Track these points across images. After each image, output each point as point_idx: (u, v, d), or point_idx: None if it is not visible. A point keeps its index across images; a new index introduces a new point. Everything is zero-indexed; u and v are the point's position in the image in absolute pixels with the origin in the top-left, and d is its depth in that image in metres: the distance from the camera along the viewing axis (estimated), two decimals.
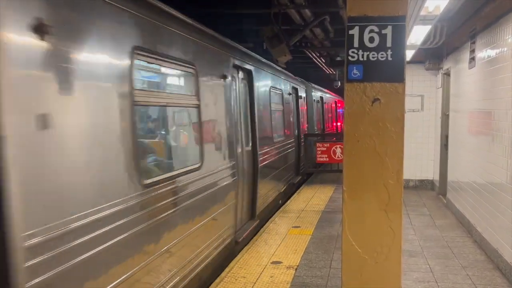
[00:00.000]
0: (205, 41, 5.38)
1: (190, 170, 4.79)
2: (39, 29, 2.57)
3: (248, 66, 7.23)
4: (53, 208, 2.71)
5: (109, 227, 3.20)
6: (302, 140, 12.04)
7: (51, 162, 2.72)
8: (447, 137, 9.65)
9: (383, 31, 3.49)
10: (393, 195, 3.59)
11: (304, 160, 11.99)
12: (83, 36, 3.06)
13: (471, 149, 7.33)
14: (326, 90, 19.45)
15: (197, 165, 4.99)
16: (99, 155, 3.18)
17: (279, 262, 5.94)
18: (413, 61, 10.26)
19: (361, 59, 3.52)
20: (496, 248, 5.89)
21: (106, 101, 3.33)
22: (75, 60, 2.95)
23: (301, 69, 15.98)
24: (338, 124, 22.71)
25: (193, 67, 4.95)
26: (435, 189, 10.86)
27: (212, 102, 5.55)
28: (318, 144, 10.92)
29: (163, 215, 4.05)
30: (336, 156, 10.58)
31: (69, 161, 2.87)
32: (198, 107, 5.08)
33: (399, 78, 3.52)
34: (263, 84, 8.31)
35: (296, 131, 11.76)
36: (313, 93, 14.92)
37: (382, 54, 3.50)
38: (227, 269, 5.68)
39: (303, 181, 12.19)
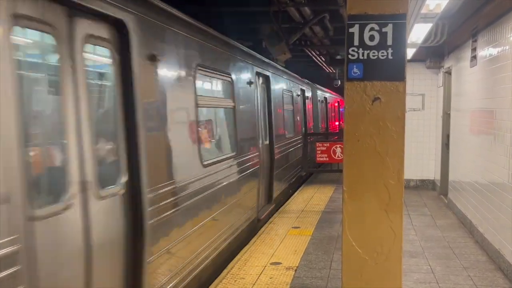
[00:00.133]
0: (237, 55, 6.75)
1: (229, 157, 6.21)
2: (153, 58, 4.03)
3: (266, 73, 8.49)
4: (162, 176, 4.21)
5: (188, 191, 4.71)
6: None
7: (165, 147, 4.33)
8: (448, 136, 9.66)
9: (384, 29, 3.49)
10: (394, 195, 3.59)
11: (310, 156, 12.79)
12: (173, 59, 4.57)
13: (473, 149, 7.33)
14: (329, 91, 20.36)
15: (233, 154, 6.38)
16: (184, 142, 4.79)
17: (279, 263, 5.94)
18: (414, 59, 10.26)
19: (361, 57, 3.52)
20: (498, 248, 5.89)
21: (184, 103, 4.83)
22: (170, 74, 4.51)
23: (301, 68, 15.98)
24: (342, 123, 22.90)
25: (230, 76, 6.35)
26: (436, 189, 10.87)
27: (242, 104, 6.89)
28: (318, 144, 10.90)
29: (213, 188, 5.46)
30: (336, 156, 10.57)
31: (170, 146, 4.43)
32: (233, 108, 6.49)
33: (399, 76, 3.52)
34: (278, 87, 9.59)
35: (304, 129, 13.02)
36: (318, 94, 16.19)
37: (382, 53, 3.50)
38: (226, 270, 5.68)
39: (310, 175, 12.74)
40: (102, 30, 3.40)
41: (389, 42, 3.49)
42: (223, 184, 5.80)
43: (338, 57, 13.18)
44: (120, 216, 3.55)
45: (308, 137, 12.29)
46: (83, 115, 3.12)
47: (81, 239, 3.04)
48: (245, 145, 6.91)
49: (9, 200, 2.39)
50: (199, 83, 5.21)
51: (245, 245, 6.64)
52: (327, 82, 20.55)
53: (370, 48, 3.51)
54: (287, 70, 10.97)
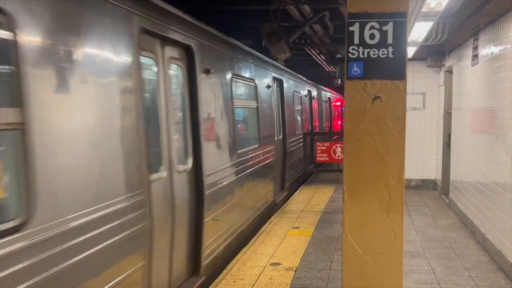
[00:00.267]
0: (258, 63, 8.24)
1: (254, 148, 7.58)
2: (208, 71, 5.36)
3: (280, 77, 10.01)
4: (214, 160, 5.56)
5: (228, 173, 6.09)
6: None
7: (215, 139, 5.72)
8: (449, 135, 9.66)
9: (384, 28, 3.48)
10: (394, 195, 3.58)
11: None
12: (219, 71, 5.99)
13: (474, 148, 7.33)
14: (332, 91, 21.62)
15: (257, 146, 7.77)
16: (226, 135, 6.17)
17: (278, 264, 5.94)
18: (415, 58, 10.26)
19: (361, 56, 3.51)
20: (499, 249, 5.89)
21: (226, 104, 6.26)
22: (218, 82, 5.92)
23: (301, 67, 15.98)
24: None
25: (254, 81, 7.83)
26: (437, 189, 10.87)
27: (263, 104, 8.34)
28: (318, 143, 10.90)
29: (243, 173, 6.85)
30: (336, 156, 10.57)
31: (218, 138, 5.87)
32: (257, 108, 7.99)
33: (400, 75, 3.51)
34: (289, 89, 10.97)
35: (310, 127, 14.56)
36: (322, 94, 17.67)
37: (383, 51, 3.49)
38: (225, 271, 5.68)
39: (310, 175, 13.21)
40: (177, 53, 4.85)
41: (390, 40, 3.48)
42: (250, 170, 7.21)
43: (339, 55, 13.16)
44: (188, 186, 4.98)
45: (309, 137, 12.31)
46: (169, 114, 4.56)
47: (169, 196, 4.50)
48: (265, 139, 8.40)
49: (154, 168, 4.16)
50: (234, 88, 6.67)
51: (264, 223, 7.92)
52: (327, 81, 20.53)
53: (371, 46, 3.50)
54: (296, 74, 12.47)
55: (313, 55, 13.46)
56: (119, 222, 3.47)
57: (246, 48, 7.50)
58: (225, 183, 5.96)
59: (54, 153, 2.81)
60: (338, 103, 24.16)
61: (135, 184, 3.72)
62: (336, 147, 10.52)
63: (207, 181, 5.21)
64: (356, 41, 3.51)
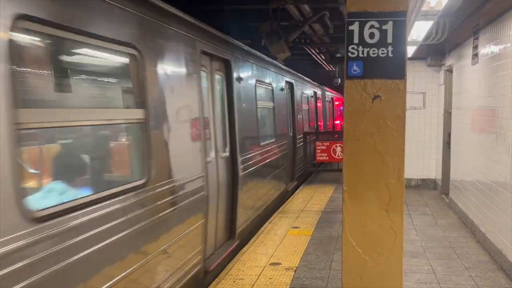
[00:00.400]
0: (275, 70, 9.69)
1: (272, 142, 8.94)
2: (239, 79, 6.72)
3: (291, 80, 11.32)
4: (245, 148, 6.85)
5: (254, 160, 7.40)
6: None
7: (245, 132, 6.97)
8: (449, 135, 9.66)
9: (384, 27, 3.48)
10: (394, 195, 3.58)
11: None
12: (247, 78, 7.31)
13: (474, 148, 7.33)
14: (334, 91, 22.59)
15: (274, 140, 9.12)
16: (253, 130, 7.64)
17: (278, 264, 5.94)
18: (415, 57, 10.26)
19: (361, 55, 3.51)
20: (500, 248, 5.89)
21: (252, 105, 7.68)
22: (247, 87, 7.27)
23: (301, 67, 15.97)
24: None
25: (271, 86, 9.23)
26: (438, 189, 10.87)
27: (277, 105, 9.66)
28: (317, 143, 10.92)
29: (264, 162, 8.17)
30: (336, 155, 10.58)
31: (248, 131, 7.21)
32: (273, 108, 9.35)
33: (400, 74, 3.52)
34: (298, 91, 12.21)
35: (316, 125, 15.88)
36: (326, 95, 19.08)
37: (382, 50, 3.50)
38: (224, 271, 5.68)
39: (309, 175, 13.44)
40: (219, 65, 6.22)
41: (389, 39, 3.48)
42: (269, 160, 8.58)
43: (338, 55, 13.15)
44: (227, 169, 6.34)
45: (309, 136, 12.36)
46: (215, 113, 5.97)
47: (215, 175, 5.85)
48: (279, 136, 9.69)
49: (207, 153, 5.44)
50: (257, 92, 7.99)
51: (278, 208, 9.09)
52: (327, 80, 20.52)
53: (370, 45, 3.50)
54: (304, 76, 13.79)
55: (313, 55, 13.45)
56: (195, 188, 4.93)
57: (266, 58, 8.96)
58: (251, 169, 7.28)
59: (161, 140, 4.26)
60: (338, 103, 24.43)
61: (201, 163, 5.15)
62: (336, 146, 10.53)
63: (240, 165, 6.61)
64: (356, 40, 3.52)
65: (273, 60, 9.55)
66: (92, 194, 3.25)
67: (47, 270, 2.68)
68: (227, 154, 6.31)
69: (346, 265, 3.69)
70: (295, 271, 5.71)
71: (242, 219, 6.74)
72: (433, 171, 11.29)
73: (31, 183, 3.03)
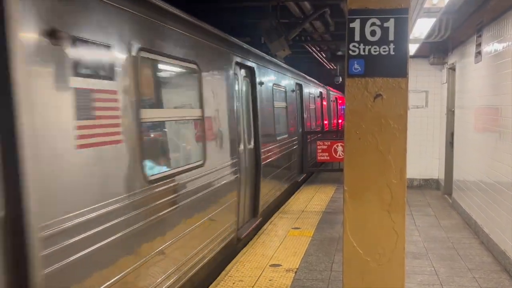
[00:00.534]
0: (287, 74, 10.98)
1: (285, 137, 10.26)
2: (261, 83, 8.06)
3: (300, 82, 12.58)
4: (265, 141, 8.24)
5: (272, 152, 8.69)
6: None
7: (264, 128, 8.26)
8: (452, 134, 9.66)
9: (385, 24, 3.48)
10: (396, 195, 3.58)
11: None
12: (267, 82, 8.57)
13: (478, 147, 7.33)
14: (338, 92, 23.39)
15: (286, 136, 10.39)
16: (271, 127, 8.92)
17: (278, 265, 5.94)
18: (417, 55, 10.26)
19: (362, 53, 3.51)
20: (503, 249, 5.89)
21: (270, 105, 8.90)
22: (266, 90, 8.62)
23: (301, 65, 15.97)
24: None
25: (285, 88, 10.48)
26: (440, 189, 10.87)
27: (290, 105, 10.95)
28: (318, 142, 10.91)
29: (280, 154, 9.56)
30: (337, 155, 10.57)
31: (266, 127, 8.52)
32: (286, 108, 10.59)
33: (402, 73, 3.51)
34: (306, 92, 13.50)
35: (321, 123, 17.30)
36: (330, 94, 20.41)
37: (384, 48, 3.49)
38: (224, 272, 5.68)
39: (310, 175, 13.76)
40: (245, 72, 7.48)
41: (391, 37, 3.48)
42: (283, 153, 9.88)
43: (339, 53, 13.18)
44: (252, 158, 7.62)
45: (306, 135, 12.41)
46: (244, 112, 7.32)
47: (244, 162, 7.14)
48: (291, 132, 11.02)
49: (239, 144, 6.79)
50: (274, 94, 9.29)
51: (291, 195, 10.40)
52: (328, 79, 20.52)
53: (372, 43, 3.50)
54: (311, 78, 15.06)
55: (313, 53, 13.47)
56: (232, 170, 6.33)
57: (281, 63, 10.30)
58: (270, 160, 8.60)
59: (211, 132, 5.69)
60: (341, 101, 24.65)
61: (236, 152, 6.59)
62: (337, 146, 10.52)
63: (261, 156, 7.88)
64: (357, 38, 3.51)
65: (286, 65, 10.89)
66: (178, 167, 4.82)
67: (154, 212, 4.10)
68: (252, 146, 7.66)
69: (347, 267, 3.69)
70: (296, 272, 5.71)
71: (263, 201, 8.06)
72: (436, 171, 11.29)
73: (148, 158, 4.15)
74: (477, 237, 7.21)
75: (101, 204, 3.30)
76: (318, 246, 6.74)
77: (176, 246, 4.54)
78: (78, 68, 3.10)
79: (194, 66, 5.18)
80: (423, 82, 11.06)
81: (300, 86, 12.49)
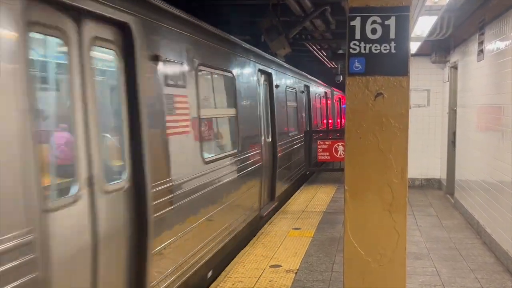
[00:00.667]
0: (298, 77, 12.77)
1: (295, 133, 11.49)
2: (277, 86, 9.61)
3: (308, 84, 14.07)
4: (280, 137, 9.61)
5: (287, 145, 10.25)
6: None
7: (279, 124, 9.58)
8: (454, 133, 9.66)
9: (386, 22, 3.48)
10: (397, 195, 3.58)
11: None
12: (282, 85, 10.21)
13: (480, 146, 7.33)
14: (342, 92, 23.82)
15: (296, 132, 11.65)
16: (285, 122, 10.58)
17: (279, 266, 5.94)
18: (419, 53, 10.25)
19: (363, 51, 3.51)
20: (506, 249, 5.90)
21: (284, 105, 10.50)
22: (282, 91, 10.32)
23: (301, 64, 15.97)
24: None
25: (295, 89, 11.88)
26: (442, 188, 10.87)
27: (300, 105, 12.38)
28: (319, 142, 10.91)
29: (292, 148, 10.92)
30: (338, 154, 10.57)
31: (281, 123, 9.94)
32: (296, 107, 11.93)
33: (403, 71, 3.51)
34: (313, 92, 14.94)
35: (326, 122, 18.55)
36: (334, 94, 21.56)
37: (385, 46, 3.49)
38: (223, 273, 5.68)
39: (311, 174, 14.08)
40: (265, 77, 8.88)
41: (392, 35, 3.48)
42: (293, 148, 11.12)
43: (340, 51, 13.14)
44: (269, 150, 8.83)
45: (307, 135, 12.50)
46: (264, 110, 8.64)
47: (263, 153, 8.17)
48: (301, 129, 12.26)
49: (261, 137, 8.25)
50: (287, 95, 10.70)
51: (301, 185, 11.74)
52: (328, 77, 20.50)
53: (372, 41, 3.50)
54: (317, 80, 16.46)
55: (314, 51, 13.46)
56: (258, 158, 7.77)
57: (293, 68, 11.94)
58: (284, 152, 9.86)
59: (243, 127, 7.06)
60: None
61: (260, 143, 8.05)
62: (338, 145, 10.53)
63: (278, 149, 9.17)
64: (358, 36, 3.51)
65: (296, 69, 12.52)
66: (222, 153, 6.35)
67: (208, 186, 5.50)
68: (270, 140, 8.98)
69: (348, 267, 3.69)
70: (296, 273, 5.71)
71: (278, 187, 9.31)
72: (438, 171, 11.29)
73: (204, 145, 5.56)
74: (479, 237, 7.21)
75: (182, 174, 4.81)
76: (318, 247, 6.74)
77: (223, 212, 6.06)
78: (167, 80, 4.56)
79: (230, 75, 6.74)
80: (424, 81, 11.06)
81: (307, 88, 13.88)
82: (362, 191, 3.62)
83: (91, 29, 3.45)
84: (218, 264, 5.89)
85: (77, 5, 3.25)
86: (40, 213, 2.79)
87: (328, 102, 19.20)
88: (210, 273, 5.70)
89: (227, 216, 6.21)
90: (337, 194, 10.52)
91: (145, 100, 4.04)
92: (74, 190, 3.24)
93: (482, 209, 7.17)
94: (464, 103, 8.69)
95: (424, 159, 11.16)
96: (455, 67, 9.68)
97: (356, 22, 3.50)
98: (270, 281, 5.45)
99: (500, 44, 6.20)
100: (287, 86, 10.72)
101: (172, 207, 4.52)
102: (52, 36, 3.19)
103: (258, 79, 8.17)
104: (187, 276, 4.90)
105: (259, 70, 8.28)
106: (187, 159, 4.96)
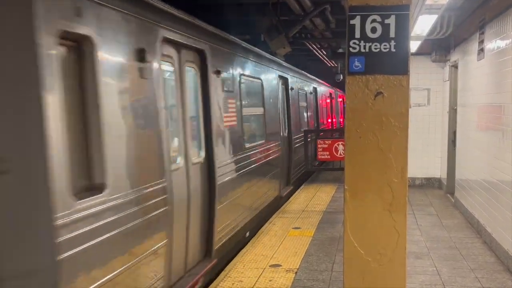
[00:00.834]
0: (308, 80, 14.38)
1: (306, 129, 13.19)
2: (292, 89, 11.27)
3: (315, 86, 15.62)
4: (294, 134, 11.20)
5: (298, 141, 11.65)
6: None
7: (296, 123, 11.87)
8: (455, 133, 9.66)
9: (386, 21, 3.48)
10: (398, 194, 3.58)
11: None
12: (296, 89, 12.04)
13: (480, 146, 7.33)
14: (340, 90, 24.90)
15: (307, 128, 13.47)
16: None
17: (278, 265, 5.94)
18: (419, 52, 10.25)
19: (363, 50, 3.51)
20: (507, 249, 5.90)
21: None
22: (295, 93, 11.86)
23: (301, 63, 15.97)
24: None
25: (306, 91, 13.57)
26: (443, 188, 10.87)
27: (309, 105, 13.89)
28: (319, 141, 10.92)
29: (302, 143, 11.89)
30: (338, 154, 10.58)
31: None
32: (306, 107, 13.37)
33: (403, 70, 3.51)
34: (319, 94, 16.44)
35: (331, 120, 20.02)
36: (338, 95, 22.82)
37: (385, 45, 3.49)
38: (223, 273, 5.68)
39: (311, 174, 14.27)
40: (282, 81, 10.50)
41: (392, 34, 3.47)
42: (303, 143, 12.11)
43: (340, 50, 13.13)
44: (286, 143, 10.38)
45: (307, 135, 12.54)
46: (282, 110, 10.34)
47: (283, 145, 9.99)
48: (311, 126, 14.00)
49: (280, 131, 9.86)
50: (299, 96, 12.24)
51: (309, 177, 13.03)
52: (328, 77, 20.50)
53: (372, 40, 3.49)
54: (322, 81, 17.88)
55: (314, 50, 13.46)
56: (278, 149, 9.24)
57: (304, 72, 13.59)
58: (297, 145, 11.22)
59: (269, 123, 8.84)
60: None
61: (280, 136, 9.55)
62: (338, 145, 10.53)
63: (292, 142, 10.76)
64: (357, 35, 3.51)
65: (307, 73, 14.19)
66: (255, 142, 7.75)
67: (247, 167, 7.05)
68: (286, 134, 10.36)
69: (348, 267, 3.69)
70: (296, 273, 5.71)
71: (293, 174, 10.81)
72: (438, 170, 11.29)
73: (245, 135, 7.23)
74: (479, 237, 7.21)
75: (233, 155, 6.48)
76: (318, 246, 6.74)
77: (256, 188, 7.69)
78: (223, 87, 6.17)
79: (259, 81, 8.33)
80: (424, 80, 11.06)
81: (315, 89, 15.44)
82: (362, 190, 3.61)
83: (184, 55, 5.10)
84: (252, 228, 7.58)
85: (180, 41, 4.91)
86: (170, 171, 4.51)
87: (333, 101, 20.81)
88: (247, 234, 7.38)
89: (259, 191, 7.89)
90: (337, 193, 10.52)
91: (213, 101, 5.68)
92: (180, 161, 4.96)
93: (482, 209, 7.17)
94: (465, 102, 8.69)
95: (424, 158, 11.16)
96: (455, 66, 9.67)
97: (356, 21, 3.50)
98: (270, 280, 5.45)
99: (501, 43, 6.20)
100: (299, 89, 12.31)
101: (227, 178, 6.14)
102: (168, 62, 4.81)
103: (277, 83, 9.79)
104: (235, 231, 6.54)
105: (279, 76, 9.94)
106: (235, 144, 6.60)
